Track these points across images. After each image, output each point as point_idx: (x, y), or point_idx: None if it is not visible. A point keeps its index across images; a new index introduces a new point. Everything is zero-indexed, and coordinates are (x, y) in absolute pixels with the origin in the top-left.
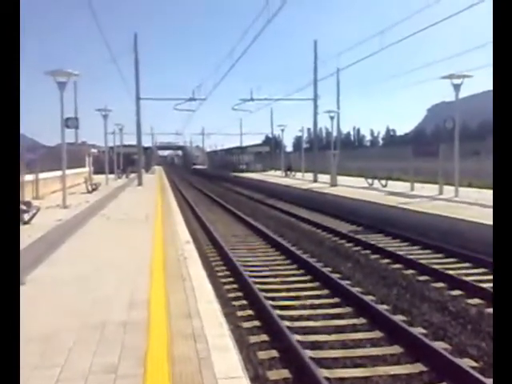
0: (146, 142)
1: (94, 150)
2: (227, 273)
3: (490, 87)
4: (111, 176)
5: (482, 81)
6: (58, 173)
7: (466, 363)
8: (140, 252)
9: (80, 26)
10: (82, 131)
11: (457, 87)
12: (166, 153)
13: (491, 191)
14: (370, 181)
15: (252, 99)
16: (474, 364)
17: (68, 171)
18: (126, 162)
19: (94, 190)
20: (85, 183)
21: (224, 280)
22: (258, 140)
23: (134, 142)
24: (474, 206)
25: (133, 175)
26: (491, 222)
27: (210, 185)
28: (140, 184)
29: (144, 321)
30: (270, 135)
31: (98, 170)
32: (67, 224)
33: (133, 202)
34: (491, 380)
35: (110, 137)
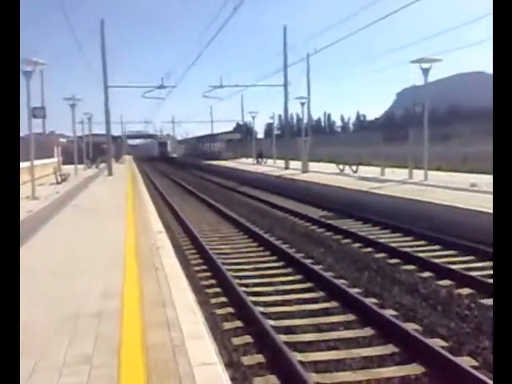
0: (116, 131)
1: (62, 140)
2: (200, 261)
3: (458, 71)
4: (81, 166)
5: (450, 65)
6: (27, 164)
7: (436, 343)
8: (112, 243)
9: (44, 12)
10: (49, 121)
11: (425, 71)
12: (135, 142)
13: (459, 174)
14: (341, 166)
15: (222, 86)
16: (444, 343)
17: (36, 162)
18: (96, 151)
19: (63, 180)
20: (54, 174)
21: (197, 268)
22: (229, 127)
23: (103, 131)
24: (442, 189)
25: (103, 165)
26: (459, 204)
27: (182, 173)
28: (110, 174)
29: (117, 311)
30: (241, 122)
31: (67, 160)
32: (37, 215)
33: (103, 192)
34: (460, 358)
35: (78, 126)
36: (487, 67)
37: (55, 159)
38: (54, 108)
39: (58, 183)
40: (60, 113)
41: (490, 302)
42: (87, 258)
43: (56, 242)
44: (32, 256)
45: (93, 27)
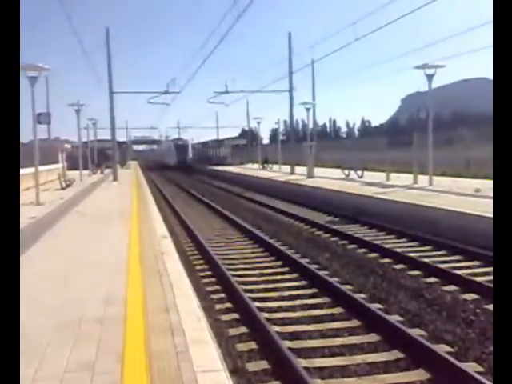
0: (121, 137)
1: (67, 146)
2: (205, 266)
3: (462, 77)
4: (85, 172)
5: (454, 70)
6: (31, 169)
7: (442, 349)
8: (116, 248)
9: (51, 20)
10: (54, 127)
11: (430, 77)
12: (141, 147)
13: (463, 179)
14: (346, 172)
15: (227, 92)
16: (450, 349)
17: (41, 167)
18: (101, 157)
19: (67, 186)
20: (58, 179)
21: (202, 274)
22: (235, 133)
23: (108, 137)
24: (446, 194)
25: (108, 171)
26: (463, 210)
27: (187, 179)
28: (115, 179)
29: (121, 317)
30: (247, 128)
31: (72, 165)
32: (41, 221)
33: (108, 197)
34: (466, 364)
35: (83, 132)
36: (490, 73)
37: (60, 165)
38: (59, 114)
39: (62, 189)
40: (65, 118)
41: None
42: (90, 264)
43: (59, 247)
44: (35, 262)
45: (98, 33)
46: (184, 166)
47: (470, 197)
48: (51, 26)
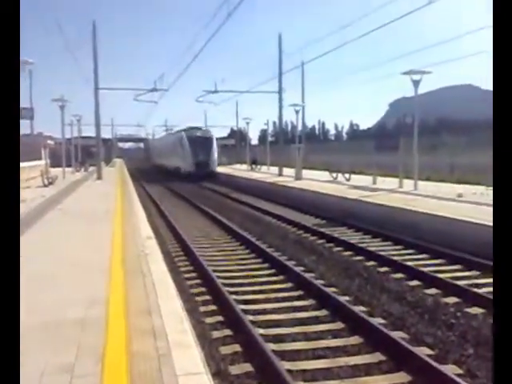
0: (106, 134)
1: (50, 142)
2: (190, 268)
3: (447, 83)
4: (69, 169)
5: (440, 77)
6: None
7: (423, 351)
8: (98, 248)
9: (33, 12)
10: (37, 122)
11: (416, 83)
12: (127, 145)
13: (447, 184)
14: (334, 174)
15: (216, 91)
16: (430, 352)
17: (23, 164)
18: (85, 154)
19: (50, 183)
20: (41, 176)
21: (187, 275)
22: (224, 133)
23: (92, 134)
24: (430, 198)
25: (92, 168)
26: (447, 214)
27: (174, 179)
28: (99, 178)
29: (102, 319)
30: (236, 128)
31: (55, 162)
32: (22, 219)
33: (91, 196)
34: (446, 367)
35: (67, 128)
36: (475, 80)
37: (42, 161)
38: (43, 109)
39: (44, 186)
40: (48, 114)
41: (474, 310)
42: (72, 265)
43: (40, 247)
44: None
45: (84, 29)
46: (205, 174)
47: (452, 201)
48: (32, 16)
